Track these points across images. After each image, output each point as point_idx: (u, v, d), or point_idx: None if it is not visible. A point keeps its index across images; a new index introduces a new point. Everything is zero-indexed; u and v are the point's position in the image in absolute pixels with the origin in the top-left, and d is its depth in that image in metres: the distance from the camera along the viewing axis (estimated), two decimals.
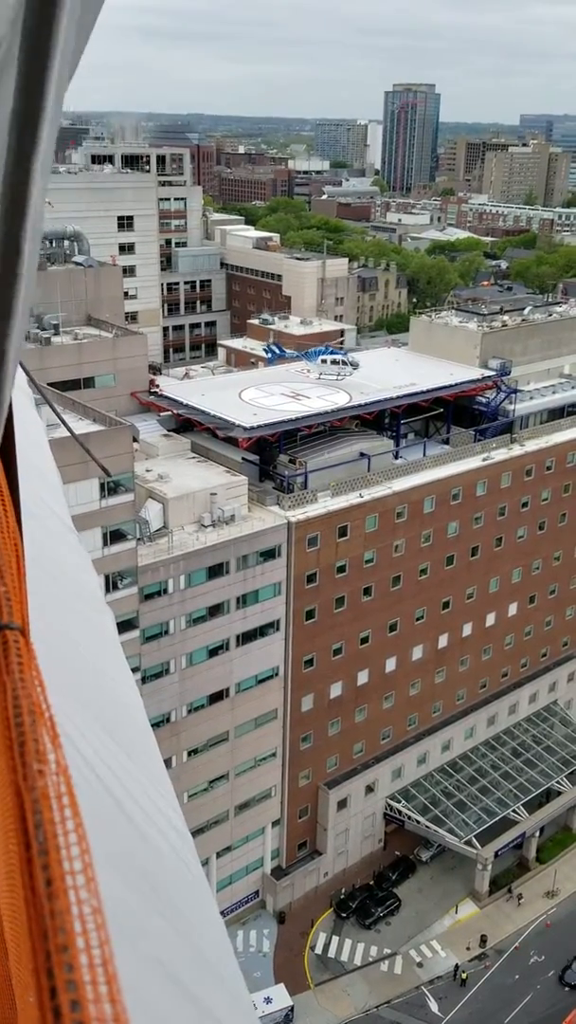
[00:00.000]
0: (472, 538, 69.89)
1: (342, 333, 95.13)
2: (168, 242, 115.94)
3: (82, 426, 48.84)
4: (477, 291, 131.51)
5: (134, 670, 40.32)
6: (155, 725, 46.01)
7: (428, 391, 69.51)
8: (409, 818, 68.03)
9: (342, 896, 67.00)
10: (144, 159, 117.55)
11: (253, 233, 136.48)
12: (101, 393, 61.44)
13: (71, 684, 3.13)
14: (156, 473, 57.04)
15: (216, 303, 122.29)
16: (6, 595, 1.99)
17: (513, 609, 75.63)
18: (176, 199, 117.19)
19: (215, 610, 55.32)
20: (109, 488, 48.54)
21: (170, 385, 70.78)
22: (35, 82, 1.82)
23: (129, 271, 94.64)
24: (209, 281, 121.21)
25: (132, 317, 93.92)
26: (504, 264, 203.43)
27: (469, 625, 72.18)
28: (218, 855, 60.52)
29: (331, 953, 63.20)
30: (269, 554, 56.88)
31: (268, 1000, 55.93)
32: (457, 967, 62.48)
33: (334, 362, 70.89)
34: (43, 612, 2.80)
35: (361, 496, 61.41)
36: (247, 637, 57.37)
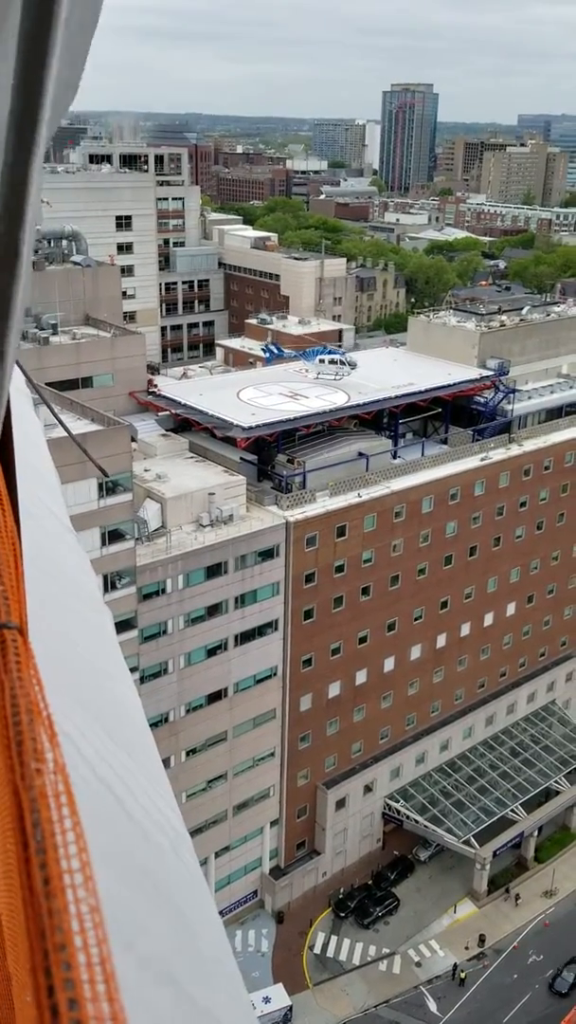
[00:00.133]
0: (470, 538, 69.93)
1: (340, 333, 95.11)
2: (166, 242, 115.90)
3: (80, 426, 48.84)
4: (475, 291, 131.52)
5: (132, 670, 40.23)
6: (153, 725, 46.04)
7: (426, 391, 69.56)
8: (407, 818, 68.06)
9: (340, 896, 67.00)
10: (142, 159, 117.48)
11: (251, 233, 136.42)
12: (99, 393, 61.45)
13: (69, 683, 3.13)
14: (154, 473, 57.03)
15: (214, 303, 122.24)
16: (4, 595, 2.00)
17: (511, 609, 75.68)
18: (174, 199, 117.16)
19: (213, 610, 55.32)
20: (107, 488, 48.55)
21: (168, 385, 70.73)
22: (33, 82, 1.82)
23: (127, 271, 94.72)
24: (207, 281, 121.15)
25: (130, 317, 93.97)
26: (502, 264, 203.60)
27: (467, 625, 72.22)
28: (217, 855, 60.54)
29: (330, 953, 63.23)
30: (267, 554, 56.89)
31: (267, 1000, 55.95)
32: (456, 966, 62.52)
33: (332, 362, 70.89)
34: (41, 612, 2.80)
35: (359, 496, 61.44)
36: (245, 637, 57.38)
